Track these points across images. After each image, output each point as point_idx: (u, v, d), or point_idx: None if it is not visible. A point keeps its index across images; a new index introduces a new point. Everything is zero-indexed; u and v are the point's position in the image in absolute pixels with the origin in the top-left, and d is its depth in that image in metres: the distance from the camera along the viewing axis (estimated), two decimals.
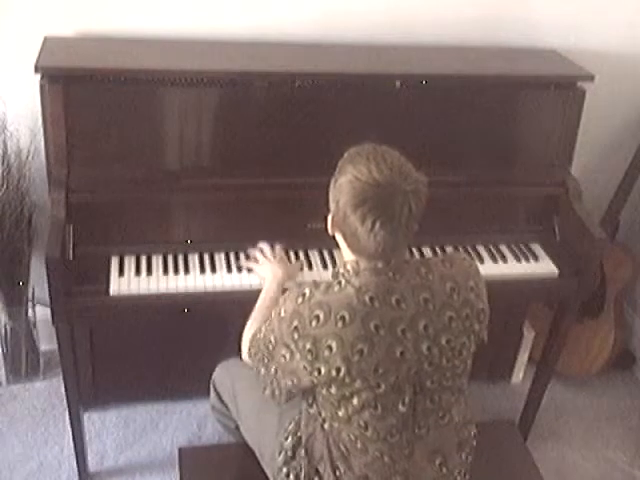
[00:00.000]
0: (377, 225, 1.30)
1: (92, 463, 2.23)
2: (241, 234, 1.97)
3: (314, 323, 1.34)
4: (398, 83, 2.01)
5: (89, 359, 2.28)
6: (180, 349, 2.33)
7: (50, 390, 2.48)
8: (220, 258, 1.95)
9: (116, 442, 2.33)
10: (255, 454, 1.73)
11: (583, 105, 2.10)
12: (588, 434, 2.54)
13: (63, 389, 1.97)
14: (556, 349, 2.23)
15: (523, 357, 2.66)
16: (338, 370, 1.34)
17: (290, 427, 1.59)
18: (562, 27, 2.34)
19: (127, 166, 1.90)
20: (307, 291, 1.38)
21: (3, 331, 2.40)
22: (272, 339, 1.43)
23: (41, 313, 2.38)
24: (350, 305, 1.33)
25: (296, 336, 1.35)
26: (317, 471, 1.53)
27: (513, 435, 1.99)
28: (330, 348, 1.33)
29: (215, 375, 1.93)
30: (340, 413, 1.43)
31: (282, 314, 1.40)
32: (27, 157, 2.14)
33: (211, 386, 1.94)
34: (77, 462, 2.15)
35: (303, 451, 1.54)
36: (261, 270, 1.84)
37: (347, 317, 1.32)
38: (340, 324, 1.32)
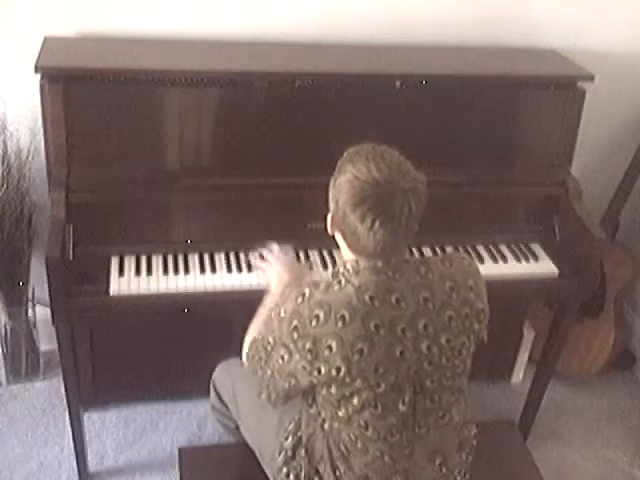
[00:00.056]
0: (377, 224, 1.30)
1: (92, 463, 2.23)
2: (241, 234, 1.98)
3: (314, 323, 1.34)
4: (398, 83, 2.01)
5: (89, 359, 2.28)
6: (180, 349, 2.33)
7: (50, 390, 2.48)
8: (220, 258, 1.95)
9: (116, 442, 2.33)
10: (255, 454, 1.72)
11: (583, 105, 2.10)
12: (588, 434, 2.54)
13: (63, 389, 1.97)
14: (556, 349, 2.23)
15: (523, 357, 2.66)
16: (338, 370, 1.34)
17: (290, 427, 1.59)
18: (562, 27, 2.34)
19: (127, 166, 1.91)
20: (307, 291, 1.38)
21: (3, 331, 2.40)
22: (270, 340, 1.43)
23: (41, 313, 2.38)
24: (350, 304, 1.33)
25: (296, 336, 1.35)
26: (317, 471, 1.53)
27: (513, 435, 1.99)
28: (330, 348, 1.33)
29: (215, 375, 1.93)
30: (340, 413, 1.43)
31: (282, 314, 1.39)
32: (27, 157, 2.14)
33: (211, 386, 1.94)
34: (77, 462, 2.15)
35: (303, 451, 1.54)
36: (268, 272, 1.83)
37: (347, 316, 1.32)
38: (340, 323, 1.32)
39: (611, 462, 2.45)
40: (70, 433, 2.08)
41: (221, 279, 1.88)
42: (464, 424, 1.56)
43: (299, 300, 1.37)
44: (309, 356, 1.34)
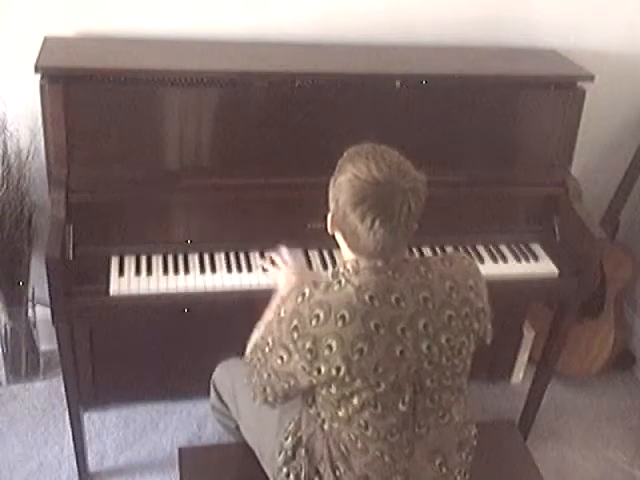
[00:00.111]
0: (377, 223, 1.30)
1: (92, 463, 2.23)
2: (241, 234, 1.98)
3: (314, 322, 1.34)
4: (398, 83, 2.01)
5: (89, 359, 2.28)
6: (180, 349, 2.33)
7: (50, 390, 2.48)
8: (220, 258, 1.95)
9: (116, 442, 2.33)
10: (255, 454, 1.73)
11: (583, 105, 2.10)
12: (588, 434, 2.54)
13: (63, 389, 1.97)
14: (556, 349, 2.23)
15: (523, 357, 2.66)
16: (338, 369, 1.34)
17: (290, 427, 1.59)
18: (562, 27, 2.34)
19: (127, 166, 1.91)
20: (307, 290, 1.38)
21: (3, 331, 2.40)
22: (270, 341, 1.43)
23: (41, 313, 2.38)
24: (350, 304, 1.33)
25: (295, 336, 1.35)
26: (317, 471, 1.53)
27: (513, 435, 1.99)
28: (330, 347, 1.33)
29: (215, 375, 1.93)
30: (340, 413, 1.43)
31: (282, 314, 1.39)
32: (27, 157, 2.14)
33: (211, 386, 1.94)
34: (77, 462, 2.15)
35: (303, 451, 1.54)
36: (277, 275, 1.84)
37: (347, 316, 1.32)
38: (340, 323, 1.32)
39: (611, 462, 2.45)
40: (70, 433, 2.08)
41: (221, 279, 1.88)
42: (464, 424, 1.56)
43: (299, 300, 1.37)
44: (309, 356, 1.34)
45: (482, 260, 2.05)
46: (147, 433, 2.38)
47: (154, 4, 2.10)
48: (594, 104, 2.15)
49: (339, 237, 1.43)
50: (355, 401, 1.39)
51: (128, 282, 1.83)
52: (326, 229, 1.45)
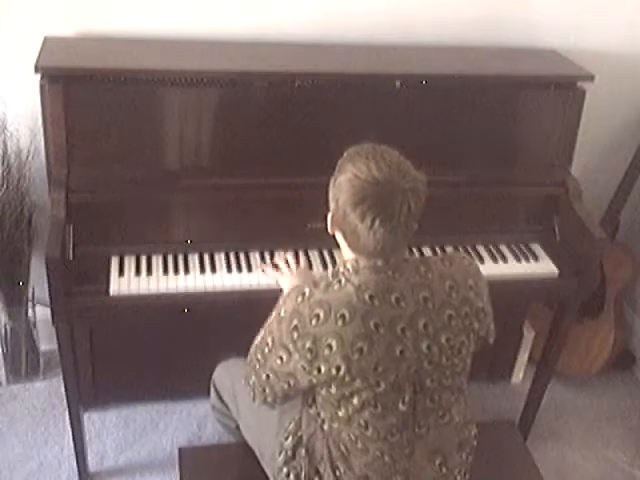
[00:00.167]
0: (377, 223, 1.30)
1: (92, 463, 2.23)
2: (241, 234, 1.98)
3: (314, 322, 1.34)
4: (398, 83, 2.01)
5: (89, 359, 2.28)
6: (180, 349, 2.33)
7: (50, 390, 2.48)
8: (220, 258, 1.95)
9: (116, 442, 2.33)
10: (255, 454, 1.73)
11: (583, 105, 2.10)
12: (588, 434, 2.54)
13: (63, 389, 1.97)
14: (556, 349, 2.23)
15: (523, 357, 2.66)
16: (338, 369, 1.34)
17: (290, 427, 1.59)
18: (562, 27, 2.34)
19: (127, 166, 1.90)
20: (307, 290, 1.38)
21: (3, 331, 2.40)
22: (269, 341, 1.43)
23: (41, 313, 2.38)
24: (350, 303, 1.33)
25: (295, 335, 1.35)
26: (317, 471, 1.53)
27: (513, 435, 1.99)
28: (330, 347, 1.33)
29: (215, 375, 1.93)
30: (340, 413, 1.43)
31: (282, 314, 1.39)
32: (27, 157, 2.14)
33: (211, 386, 1.94)
34: (77, 462, 2.15)
35: (303, 451, 1.54)
36: (281, 281, 1.84)
37: (347, 315, 1.32)
38: (340, 322, 1.32)
39: (611, 462, 2.45)
40: (70, 433, 2.08)
41: (221, 279, 1.88)
42: (464, 424, 1.56)
43: (299, 299, 1.37)
44: (309, 355, 1.34)
45: (482, 260, 2.05)
46: (147, 433, 2.37)
47: (154, 4, 2.10)
48: (594, 104, 2.15)
49: (339, 237, 1.43)
50: (355, 401, 1.39)
51: (128, 282, 1.83)
52: (326, 229, 1.45)
